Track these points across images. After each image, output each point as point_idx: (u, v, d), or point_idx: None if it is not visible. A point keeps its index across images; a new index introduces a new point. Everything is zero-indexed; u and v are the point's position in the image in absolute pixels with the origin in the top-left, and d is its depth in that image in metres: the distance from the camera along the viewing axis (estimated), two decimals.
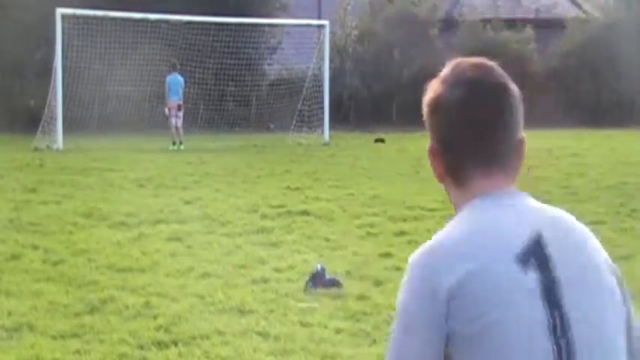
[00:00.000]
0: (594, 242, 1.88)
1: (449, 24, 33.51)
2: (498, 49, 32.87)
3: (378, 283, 8.25)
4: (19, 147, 20.97)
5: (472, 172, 1.87)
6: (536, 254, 1.75)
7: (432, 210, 12.40)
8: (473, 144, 1.87)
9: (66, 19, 22.40)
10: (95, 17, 23.50)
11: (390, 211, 12.29)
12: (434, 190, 14.35)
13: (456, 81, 1.87)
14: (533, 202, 1.89)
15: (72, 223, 11.00)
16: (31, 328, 6.67)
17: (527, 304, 1.70)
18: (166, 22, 25.15)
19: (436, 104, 1.89)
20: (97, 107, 25.82)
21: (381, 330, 6.76)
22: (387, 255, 9.47)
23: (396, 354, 1.76)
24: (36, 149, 20.73)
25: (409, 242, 10.22)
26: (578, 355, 1.69)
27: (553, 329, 1.70)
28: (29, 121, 23.99)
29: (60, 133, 21.61)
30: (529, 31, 33.43)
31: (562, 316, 1.71)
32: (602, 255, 1.85)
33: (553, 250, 1.77)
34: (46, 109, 21.98)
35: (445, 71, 1.92)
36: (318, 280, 7.93)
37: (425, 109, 1.91)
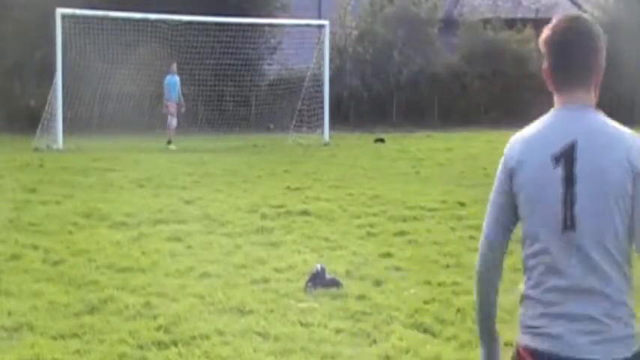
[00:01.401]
0: (618, 154, 2.73)
1: (449, 24, 33.50)
2: (498, 49, 32.91)
3: (378, 283, 8.25)
4: (19, 147, 20.97)
5: (560, 88, 2.87)
6: (566, 156, 2.76)
7: (432, 210, 12.40)
8: (563, 70, 2.85)
9: (66, 19, 22.39)
10: (95, 17, 23.47)
11: (390, 211, 12.29)
12: (434, 190, 14.36)
13: (559, 29, 2.84)
14: (586, 115, 2.83)
15: (72, 223, 11.01)
16: (31, 328, 6.68)
17: (552, 185, 2.77)
18: (166, 22, 25.13)
19: (546, 41, 2.86)
20: (97, 107, 25.81)
21: (381, 330, 6.76)
22: (387, 255, 9.48)
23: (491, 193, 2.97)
24: (36, 149, 20.73)
25: (409, 242, 10.23)
26: (577, 219, 2.73)
27: (564, 201, 2.75)
28: (29, 121, 23.97)
29: (60, 133, 21.61)
30: (529, 31, 33.42)
31: (572, 195, 2.73)
32: (624, 160, 2.72)
33: (580, 155, 2.75)
34: (46, 109, 21.97)
35: (556, 20, 2.87)
36: (318, 280, 7.93)
37: (541, 41, 2.87)
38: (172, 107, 22.30)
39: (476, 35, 33.12)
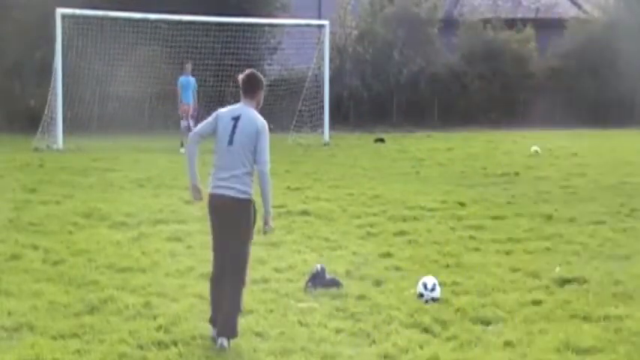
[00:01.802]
0: (256, 123, 6.62)
1: (449, 24, 33.48)
2: (498, 49, 32.90)
3: (378, 283, 8.26)
4: (19, 147, 20.96)
5: None
6: (236, 118, 6.61)
7: (431, 210, 12.40)
8: None
9: (66, 19, 22.37)
10: (95, 17, 23.46)
11: (390, 211, 12.29)
12: (434, 190, 14.36)
13: None
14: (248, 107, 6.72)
15: (72, 223, 11.01)
16: (31, 328, 6.68)
17: (227, 127, 6.64)
18: (166, 22, 25.11)
19: None
20: (97, 107, 25.78)
21: (380, 330, 6.77)
22: (387, 255, 9.48)
23: None
24: (36, 149, 20.72)
25: (409, 242, 10.24)
26: (235, 142, 6.62)
27: (231, 133, 6.63)
28: (29, 121, 23.97)
29: (60, 133, 21.59)
30: (529, 31, 33.42)
31: (234, 129, 6.61)
32: (255, 126, 6.61)
33: (241, 119, 6.60)
34: (46, 109, 21.96)
35: None
36: (318, 280, 7.93)
37: None
38: (182, 109, 21.31)
39: (476, 35, 33.11)
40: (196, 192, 6.94)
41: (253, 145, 6.60)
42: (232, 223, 6.61)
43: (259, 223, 6.73)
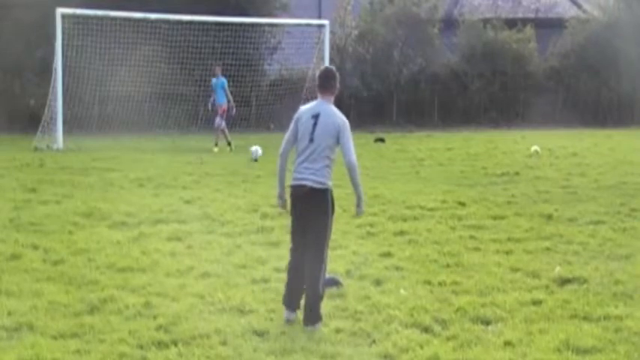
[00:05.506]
0: (336, 121, 6.94)
1: (449, 24, 33.48)
2: (498, 49, 32.90)
3: (378, 282, 8.26)
4: (19, 147, 20.97)
5: None
6: (316, 116, 6.92)
7: (431, 210, 12.40)
8: None
9: (66, 19, 22.39)
10: (95, 17, 23.48)
11: (390, 210, 12.29)
12: (434, 190, 14.36)
13: None
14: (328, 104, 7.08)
15: (72, 223, 11.01)
16: (31, 328, 6.68)
17: (307, 125, 6.92)
18: (166, 22, 25.12)
19: None
20: (97, 107, 25.80)
21: (380, 329, 6.77)
22: (387, 254, 9.48)
23: None
24: (36, 149, 20.73)
25: (409, 242, 10.24)
26: (315, 139, 6.90)
27: (312, 131, 6.92)
28: (29, 121, 23.99)
29: (60, 133, 21.61)
30: (529, 31, 33.42)
31: (314, 127, 6.91)
32: (336, 123, 6.92)
33: (321, 116, 6.91)
34: (46, 109, 21.98)
35: None
36: None
37: None
38: (222, 109, 21.70)
39: (476, 35, 33.10)
40: (282, 201, 7.33)
41: (334, 142, 6.93)
42: (312, 211, 7.10)
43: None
